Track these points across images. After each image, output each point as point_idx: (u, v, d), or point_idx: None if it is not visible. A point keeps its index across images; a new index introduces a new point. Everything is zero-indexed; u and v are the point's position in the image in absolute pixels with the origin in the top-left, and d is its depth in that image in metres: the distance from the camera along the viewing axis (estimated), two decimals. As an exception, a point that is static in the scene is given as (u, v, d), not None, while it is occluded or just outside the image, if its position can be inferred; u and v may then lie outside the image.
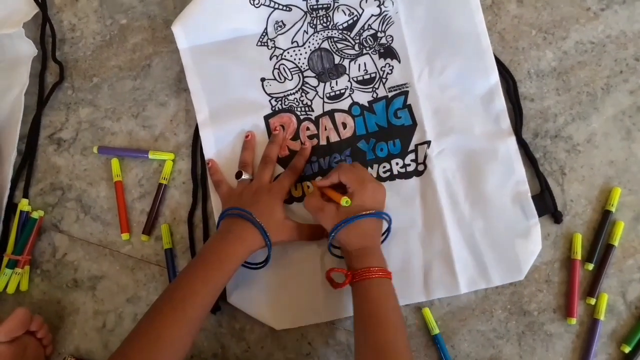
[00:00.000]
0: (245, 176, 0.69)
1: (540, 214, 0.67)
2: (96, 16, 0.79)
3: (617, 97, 0.70)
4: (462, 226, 0.68)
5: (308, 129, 0.72)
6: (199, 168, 0.73)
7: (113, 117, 0.76)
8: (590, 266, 0.67)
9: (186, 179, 0.73)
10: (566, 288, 0.67)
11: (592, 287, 0.66)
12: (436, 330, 0.67)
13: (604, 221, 0.67)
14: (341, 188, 0.65)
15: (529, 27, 0.73)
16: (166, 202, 0.73)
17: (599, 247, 0.67)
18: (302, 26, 0.73)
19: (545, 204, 0.68)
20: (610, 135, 0.70)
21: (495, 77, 0.70)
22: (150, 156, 0.73)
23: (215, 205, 0.71)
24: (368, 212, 0.61)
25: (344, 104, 0.72)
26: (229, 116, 0.73)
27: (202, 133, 0.72)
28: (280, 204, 0.67)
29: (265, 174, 0.68)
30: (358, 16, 0.73)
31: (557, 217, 0.68)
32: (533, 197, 0.68)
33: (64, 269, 0.73)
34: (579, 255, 0.67)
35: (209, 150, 0.72)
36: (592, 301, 0.66)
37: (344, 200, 0.61)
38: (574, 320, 0.66)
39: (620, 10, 0.72)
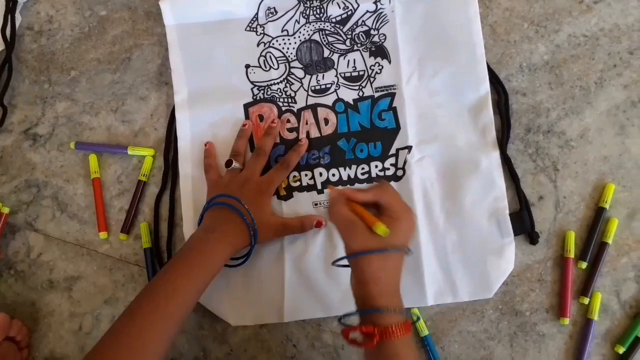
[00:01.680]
0: (235, 165, 0.66)
1: (516, 233, 0.65)
2: (74, 7, 0.76)
3: (611, 92, 0.69)
4: (435, 237, 0.65)
5: (289, 121, 0.70)
6: (172, 152, 0.71)
7: (91, 111, 0.73)
8: (584, 264, 0.65)
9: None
10: (559, 287, 0.65)
11: (586, 286, 0.64)
12: (425, 332, 0.65)
13: (597, 218, 0.65)
14: (369, 206, 0.55)
15: (521, 19, 0.71)
16: (146, 199, 0.71)
17: (593, 245, 0.65)
18: (294, 15, 0.71)
19: (523, 223, 0.66)
20: (604, 130, 0.68)
21: (485, 88, 0.68)
22: (130, 152, 0.71)
23: (184, 191, 0.69)
24: (402, 248, 0.52)
25: (329, 99, 0.70)
26: (208, 100, 0.70)
27: (177, 115, 0.70)
28: (269, 199, 0.65)
29: (257, 166, 0.66)
30: (353, 11, 0.71)
31: (533, 238, 0.65)
32: (511, 215, 0.65)
33: (38, 270, 0.70)
34: (572, 254, 0.65)
35: (184, 134, 0.70)
36: (586, 300, 0.64)
37: (381, 230, 0.51)
38: (566, 321, 0.64)
39: (613, 3, 0.70)
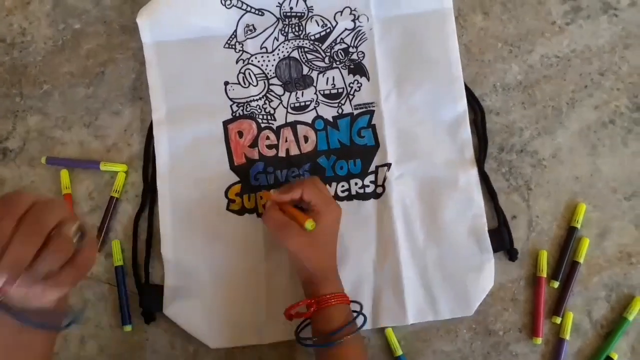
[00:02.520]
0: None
1: (495, 250, 0.66)
2: (48, 20, 0.75)
3: (582, 112, 0.69)
4: (415, 255, 0.66)
5: (268, 138, 0.70)
6: (150, 169, 0.70)
7: (64, 126, 0.72)
8: (556, 284, 0.65)
9: (140, 193, 0.70)
10: (532, 307, 0.65)
11: (558, 306, 0.65)
12: (399, 352, 0.64)
13: (569, 238, 0.66)
14: (298, 205, 0.61)
15: (495, 39, 0.72)
16: (118, 216, 0.69)
17: (565, 265, 0.66)
18: (273, 32, 0.71)
19: (502, 239, 0.66)
20: (576, 150, 0.69)
21: (463, 105, 0.69)
22: (102, 167, 0.70)
23: (162, 210, 0.68)
24: (341, 334, 0.56)
25: (308, 117, 0.70)
26: (187, 118, 0.69)
27: (155, 132, 0.69)
28: None
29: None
30: (331, 28, 0.71)
31: (512, 255, 0.66)
32: (490, 232, 0.66)
33: (6, 288, 0.68)
34: (544, 273, 0.65)
35: (162, 151, 0.69)
36: (558, 320, 0.64)
37: (309, 224, 0.57)
38: (539, 340, 0.64)
39: (585, 25, 0.71)
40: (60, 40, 0.75)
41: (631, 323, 0.64)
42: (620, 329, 0.64)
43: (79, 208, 0.70)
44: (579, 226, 0.66)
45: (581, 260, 0.65)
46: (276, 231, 0.59)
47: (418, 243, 0.66)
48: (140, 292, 0.66)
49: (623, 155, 0.68)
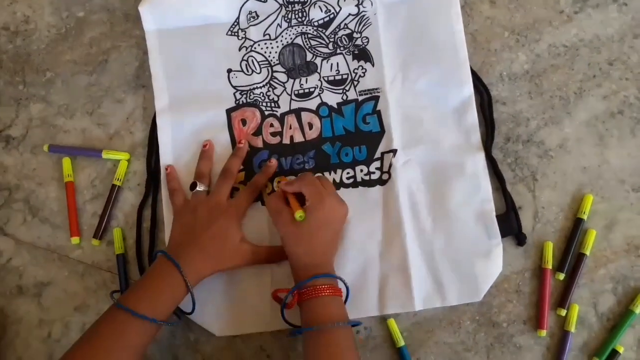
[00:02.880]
0: (200, 187, 0.65)
1: (503, 235, 0.65)
2: (52, 8, 0.75)
3: (590, 102, 0.68)
4: (422, 241, 0.65)
5: (272, 125, 0.69)
6: (154, 159, 0.70)
7: (66, 114, 0.72)
8: (562, 276, 0.64)
9: (141, 181, 0.70)
10: (537, 298, 0.65)
11: (563, 298, 0.64)
12: (401, 343, 0.64)
13: (575, 229, 0.65)
14: (304, 197, 0.62)
15: (501, 28, 0.71)
16: (119, 204, 0.69)
17: (570, 256, 0.65)
18: (276, 19, 0.71)
19: (510, 224, 0.65)
20: (583, 141, 0.68)
21: (469, 89, 0.68)
22: (104, 156, 0.69)
23: (166, 198, 0.67)
24: (335, 323, 0.56)
25: (312, 104, 0.69)
26: (190, 106, 0.69)
27: (159, 121, 0.69)
28: (237, 225, 0.63)
29: (224, 189, 0.65)
30: (335, 14, 0.70)
31: (520, 239, 0.65)
32: (498, 217, 0.65)
33: (7, 275, 0.68)
34: (549, 265, 0.65)
35: (165, 140, 0.69)
36: (563, 312, 0.64)
37: (298, 215, 0.60)
38: (544, 332, 0.63)
39: (593, 14, 0.70)
40: (64, 28, 0.74)
41: (638, 316, 0.63)
42: (626, 322, 0.63)
43: (80, 196, 0.70)
44: (585, 217, 0.65)
45: (587, 252, 0.64)
46: (272, 214, 0.63)
47: (425, 229, 0.65)
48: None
49: (631, 146, 0.67)
